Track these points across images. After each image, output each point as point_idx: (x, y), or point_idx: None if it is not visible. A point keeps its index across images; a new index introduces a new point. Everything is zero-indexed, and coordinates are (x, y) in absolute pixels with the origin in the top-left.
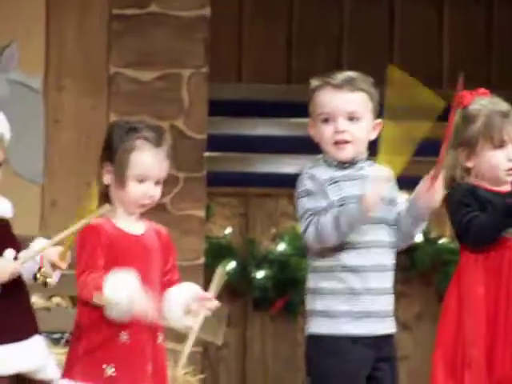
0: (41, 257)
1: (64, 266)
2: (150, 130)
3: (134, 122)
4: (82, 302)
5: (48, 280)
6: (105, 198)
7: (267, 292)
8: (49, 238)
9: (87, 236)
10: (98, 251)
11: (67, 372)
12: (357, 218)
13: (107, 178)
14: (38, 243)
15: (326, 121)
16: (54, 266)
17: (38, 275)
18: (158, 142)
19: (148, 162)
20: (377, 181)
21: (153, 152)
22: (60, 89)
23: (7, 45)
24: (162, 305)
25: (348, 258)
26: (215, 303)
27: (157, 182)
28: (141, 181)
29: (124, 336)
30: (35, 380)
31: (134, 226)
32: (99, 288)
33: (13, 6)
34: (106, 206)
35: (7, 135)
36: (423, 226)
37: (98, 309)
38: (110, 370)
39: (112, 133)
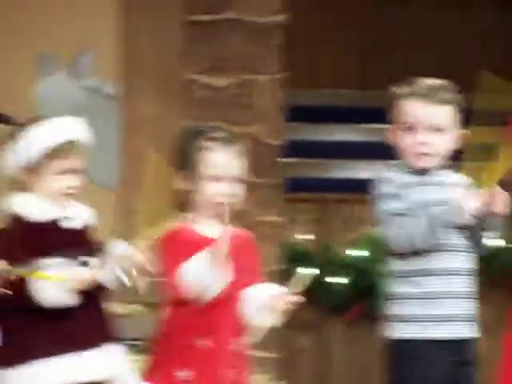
0: (126, 263)
1: (151, 266)
2: (219, 131)
3: (203, 126)
4: (168, 304)
5: (137, 286)
6: (183, 204)
7: (344, 298)
8: (128, 241)
9: (166, 241)
10: (179, 254)
11: (145, 376)
12: (448, 221)
13: (182, 184)
14: (118, 249)
15: (408, 130)
16: (140, 273)
17: (128, 281)
18: (227, 141)
19: (219, 160)
20: (468, 189)
21: (223, 151)
22: (135, 95)
23: (82, 51)
24: (242, 305)
25: (427, 262)
26: (296, 298)
27: (233, 181)
28: (215, 180)
29: (202, 342)
30: None
31: (214, 230)
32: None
33: (87, 12)
34: (187, 216)
35: (86, 142)
36: (495, 234)
37: (181, 313)
38: (185, 375)
39: (181, 139)
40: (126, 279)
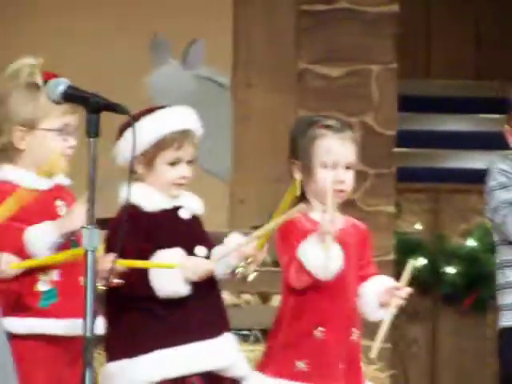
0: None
1: (261, 256)
2: (332, 119)
3: (316, 115)
4: (287, 293)
5: (248, 273)
6: (299, 194)
7: (457, 288)
8: (242, 233)
9: (286, 230)
10: (295, 242)
11: (260, 365)
12: None
13: (297, 174)
14: (233, 239)
15: None
16: (250, 260)
17: (237, 270)
18: (339, 128)
19: (332, 147)
20: None
21: (335, 137)
22: (248, 85)
23: (194, 40)
24: (359, 300)
25: None
26: (407, 291)
27: (346, 168)
28: (328, 167)
29: (318, 332)
30: (226, 377)
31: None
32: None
33: (200, 1)
34: (301, 206)
35: (199, 132)
36: None
37: (298, 302)
38: (301, 365)
39: (295, 129)
40: (237, 270)
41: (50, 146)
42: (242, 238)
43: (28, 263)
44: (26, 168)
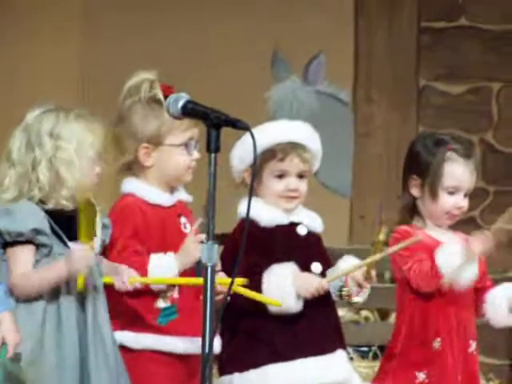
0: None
1: (368, 285)
2: (459, 141)
3: (440, 134)
4: (403, 306)
5: (354, 299)
6: (410, 210)
7: None
8: (357, 254)
9: (399, 238)
10: (416, 253)
11: (378, 379)
12: None
13: (415, 191)
14: (346, 262)
15: None
16: (359, 285)
17: (343, 293)
18: (468, 154)
19: (460, 173)
20: None
21: (463, 164)
22: (369, 101)
23: (315, 56)
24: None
25: None
26: None
27: (465, 194)
28: (452, 192)
29: (436, 343)
30: None
31: (444, 238)
32: (428, 270)
33: (321, 17)
34: (417, 239)
35: (312, 146)
36: None
37: (416, 314)
38: (421, 377)
39: (418, 144)
40: (343, 293)
41: (177, 161)
42: (355, 262)
43: (147, 280)
44: (151, 183)
